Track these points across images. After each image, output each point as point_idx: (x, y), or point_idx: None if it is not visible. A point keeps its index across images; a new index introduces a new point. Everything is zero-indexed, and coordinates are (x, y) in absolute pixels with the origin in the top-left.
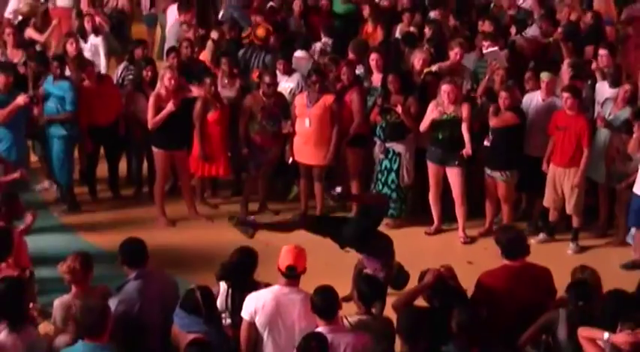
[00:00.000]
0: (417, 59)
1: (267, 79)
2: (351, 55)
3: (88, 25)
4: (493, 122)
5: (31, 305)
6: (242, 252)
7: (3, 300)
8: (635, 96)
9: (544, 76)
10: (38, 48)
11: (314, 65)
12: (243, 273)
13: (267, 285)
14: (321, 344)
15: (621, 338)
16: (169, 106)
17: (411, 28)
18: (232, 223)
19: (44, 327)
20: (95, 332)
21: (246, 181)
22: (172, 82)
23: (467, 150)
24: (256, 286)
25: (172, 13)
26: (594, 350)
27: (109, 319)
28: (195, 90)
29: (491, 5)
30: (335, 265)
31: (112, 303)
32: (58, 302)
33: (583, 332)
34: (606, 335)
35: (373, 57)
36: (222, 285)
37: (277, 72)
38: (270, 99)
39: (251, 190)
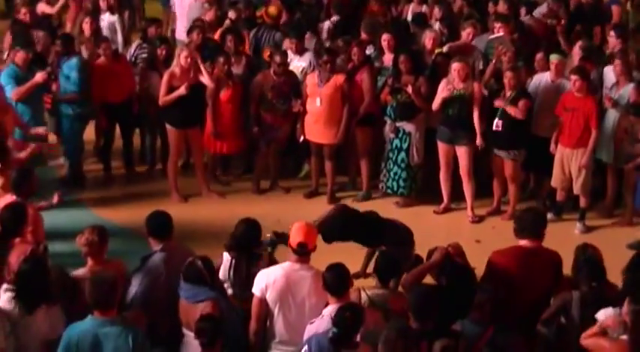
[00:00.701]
0: (427, 39)
1: (277, 58)
2: (363, 35)
3: (103, 4)
4: (512, 111)
5: None
6: (247, 223)
7: (30, 280)
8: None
9: (553, 57)
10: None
11: (325, 45)
12: (248, 243)
13: (274, 232)
14: (355, 315)
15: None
16: (181, 90)
17: (423, 8)
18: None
19: None
20: (105, 305)
21: (257, 158)
22: (189, 60)
23: (478, 140)
24: (259, 257)
25: None
26: (604, 342)
27: (119, 293)
28: (206, 80)
29: None
30: (345, 245)
31: (139, 276)
32: (74, 275)
33: (584, 341)
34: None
35: (385, 37)
36: (226, 256)
37: (289, 51)
38: (281, 78)
39: (262, 167)
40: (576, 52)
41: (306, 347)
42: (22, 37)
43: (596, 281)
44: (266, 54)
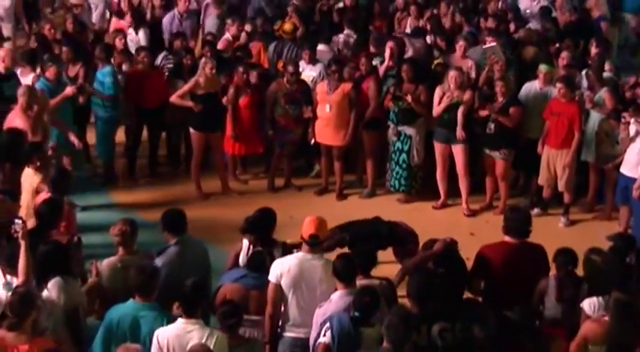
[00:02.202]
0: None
1: (290, 68)
2: (371, 48)
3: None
4: (503, 120)
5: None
6: (263, 210)
7: (49, 259)
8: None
9: (542, 67)
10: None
11: (334, 56)
12: (263, 228)
13: (284, 244)
14: (373, 299)
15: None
16: (195, 107)
17: (421, 22)
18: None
19: (91, 281)
20: (145, 291)
21: (272, 159)
22: (213, 71)
23: (459, 132)
24: (274, 243)
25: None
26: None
27: (159, 280)
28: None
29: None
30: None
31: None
32: (106, 263)
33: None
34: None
35: (389, 44)
36: (245, 243)
37: (302, 61)
38: (293, 86)
39: (276, 167)
40: (561, 62)
41: (327, 325)
42: (51, 53)
43: (572, 264)
44: (280, 65)
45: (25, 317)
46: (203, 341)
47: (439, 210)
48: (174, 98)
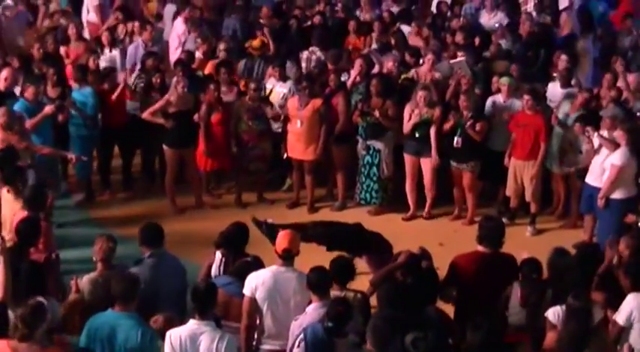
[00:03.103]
0: (389, 62)
1: (252, 85)
2: (330, 66)
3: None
4: (475, 137)
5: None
6: (236, 225)
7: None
8: (589, 103)
9: (503, 80)
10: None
11: (305, 73)
12: (237, 242)
13: (254, 257)
14: (346, 309)
15: None
16: (166, 123)
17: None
18: (253, 222)
19: (72, 297)
20: (125, 299)
21: (239, 174)
22: (185, 90)
23: (434, 156)
24: (246, 255)
25: (178, 24)
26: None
27: (138, 289)
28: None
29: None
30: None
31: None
32: (87, 279)
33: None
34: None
35: (359, 62)
36: (218, 255)
37: (272, 78)
38: (256, 103)
39: (243, 182)
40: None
41: (301, 336)
42: (31, 73)
43: (536, 273)
44: (242, 83)
45: (36, 328)
46: (214, 343)
47: (408, 221)
48: (146, 115)
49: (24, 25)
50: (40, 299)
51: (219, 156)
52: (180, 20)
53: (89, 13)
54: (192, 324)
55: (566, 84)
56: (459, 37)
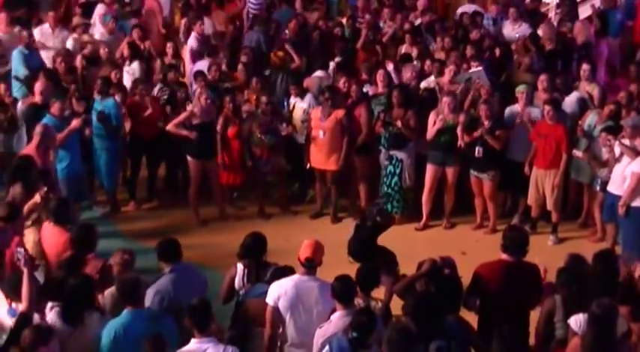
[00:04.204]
0: (407, 73)
1: (264, 99)
2: (364, 76)
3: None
4: (495, 145)
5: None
6: (253, 235)
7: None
8: (617, 115)
9: (521, 88)
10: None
11: (328, 85)
12: (256, 252)
13: (274, 264)
14: (370, 320)
15: None
16: (191, 134)
17: (414, 50)
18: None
19: None
20: (132, 298)
21: (258, 186)
22: (208, 101)
23: (460, 141)
24: (268, 265)
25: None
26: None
27: (143, 287)
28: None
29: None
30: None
31: (150, 292)
32: (108, 292)
33: None
34: None
35: (380, 73)
36: (240, 267)
37: (292, 95)
38: (267, 117)
39: (264, 195)
40: (540, 85)
41: (327, 348)
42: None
43: (576, 284)
44: (252, 97)
45: (37, 349)
46: None
47: (421, 231)
48: (170, 127)
49: None
50: (43, 324)
51: (234, 170)
52: (193, 36)
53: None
54: (194, 343)
55: (600, 104)
56: (475, 49)
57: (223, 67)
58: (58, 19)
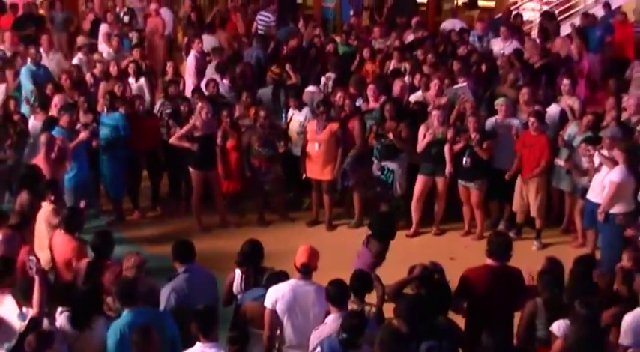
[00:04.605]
0: (396, 87)
1: (262, 113)
2: (351, 90)
3: (131, 70)
4: (483, 155)
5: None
6: (250, 243)
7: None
8: (596, 125)
9: (499, 101)
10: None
11: (322, 98)
12: (254, 258)
13: (271, 269)
14: (361, 322)
15: None
16: (192, 146)
17: (404, 65)
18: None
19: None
20: (131, 299)
21: (257, 195)
22: (209, 115)
23: (448, 168)
24: (264, 271)
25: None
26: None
27: (139, 288)
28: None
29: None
30: (341, 264)
31: (165, 291)
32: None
33: None
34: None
35: (371, 87)
36: (237, 273)
37: (290, 108)
38: (265, 130)
39: (264, 204)
40: (522, 98)
41: (319, 349)
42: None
43: (557, 287)
44: (251, 112)
45: None
46: None
47: (412, 237)
48: (173, 139)
49: None
50: (50, 328)
51: (233, 179)
52: (192, 55)
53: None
54: (199, 347)
55: (580, 114)
56: (462, 64)
57: (226, 82)
58: (51, 43)
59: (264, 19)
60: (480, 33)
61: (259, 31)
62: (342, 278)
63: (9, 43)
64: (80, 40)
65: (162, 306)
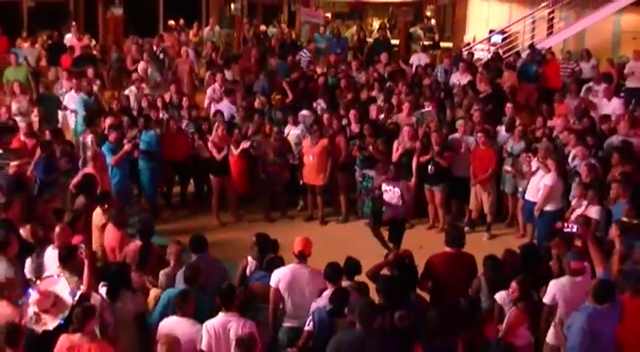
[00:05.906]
0: (372, 111)
1: (275, 129)
2: (342, 112)
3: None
4: (441, 161)
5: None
6: (259, 235)
7: (120, 276)
8: (525, 135)
9: (459, 121)
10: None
11: (315, 118)
12: (262, 248)
13: (278, 256)
14: (344, 295)
15: None
16: (217, 156)
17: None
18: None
19: (154, 292)
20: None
21: (266, 198)
22: (224, 132)
23: (412, 183)
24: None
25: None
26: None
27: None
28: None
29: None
30: (331, 251)
31: (180, 274)
32: (163, 272)
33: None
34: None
35: (352, 112)
36: (249, 259)
37: (289, 124)
38: (278, 143)
39: (268, 203)
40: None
41: (311, 317)
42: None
43: (498, 268)
44: (268, 128)
45: (85, 323)
46: (240, 328)
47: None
48: (217, 157)
49: None
50: (92, 301)
51: (240, 183)
52: (212, 87)
53: None
54: (222, 316)
55: (510, 129)
56: (428, 92)
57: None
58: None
59: (304, 54)
60: (447, 67)
61: (302, 63)
62: (336, 261)
63: (65, 79)
64: (134, 76)
65: (176, 284)
